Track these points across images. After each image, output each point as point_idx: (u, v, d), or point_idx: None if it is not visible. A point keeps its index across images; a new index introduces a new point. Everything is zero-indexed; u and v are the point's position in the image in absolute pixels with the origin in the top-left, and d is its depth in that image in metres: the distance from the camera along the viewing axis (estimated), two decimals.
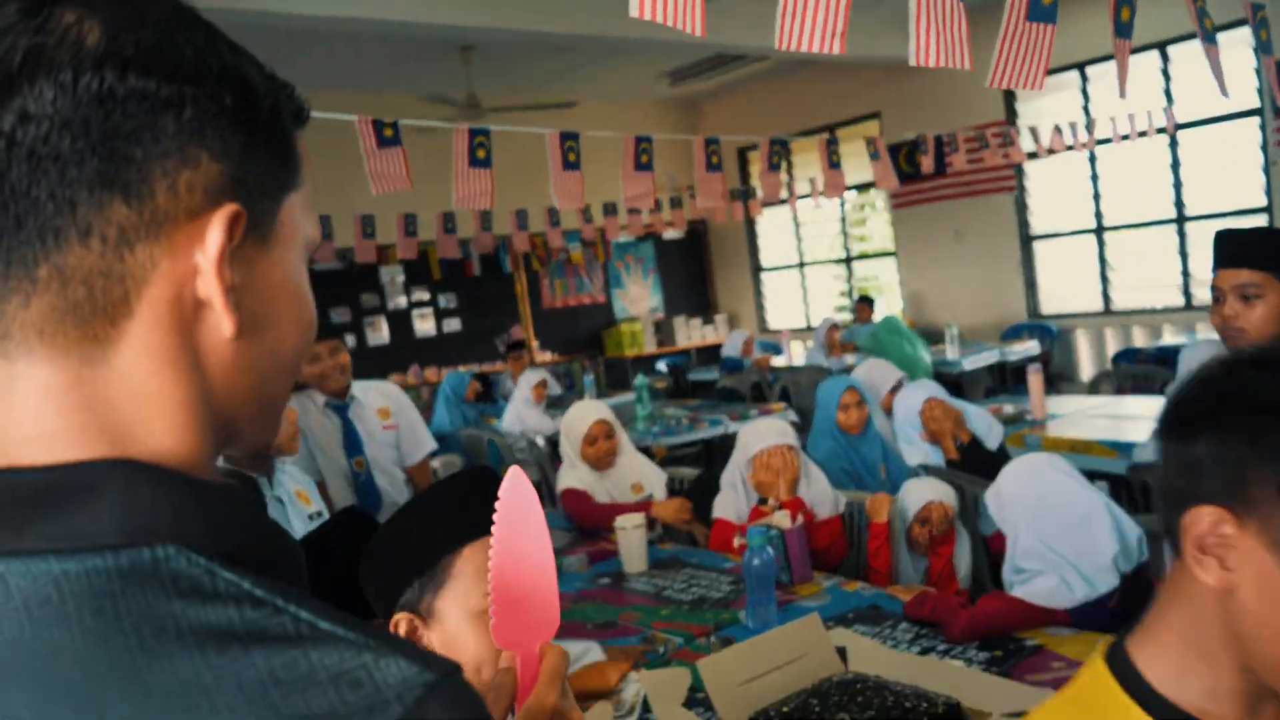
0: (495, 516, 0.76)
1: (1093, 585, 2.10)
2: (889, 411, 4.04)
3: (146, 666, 0.41)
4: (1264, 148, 6.82)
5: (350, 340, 8.33)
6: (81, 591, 0.43)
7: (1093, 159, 7.76)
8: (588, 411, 3.50)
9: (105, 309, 0.46)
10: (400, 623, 1.21)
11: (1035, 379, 4.42)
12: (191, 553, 0.45)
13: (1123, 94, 2.48)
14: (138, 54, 0.46)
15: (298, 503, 2.63)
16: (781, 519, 2.62)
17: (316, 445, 3.25)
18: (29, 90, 0.44)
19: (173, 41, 0.47)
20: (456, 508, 1.23)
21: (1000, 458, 3.62)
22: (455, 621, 1.18)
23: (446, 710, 0.44)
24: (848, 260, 9.88)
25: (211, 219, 0.48)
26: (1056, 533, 2.15)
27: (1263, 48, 4.06)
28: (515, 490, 0.77)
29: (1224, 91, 3.37)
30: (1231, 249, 2.14)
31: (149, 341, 0.47)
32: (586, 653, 2.11)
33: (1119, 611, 2.13)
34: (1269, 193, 6.82)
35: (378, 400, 3.42)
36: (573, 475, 3.44)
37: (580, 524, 3.34)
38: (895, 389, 4.16)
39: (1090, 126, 7.07)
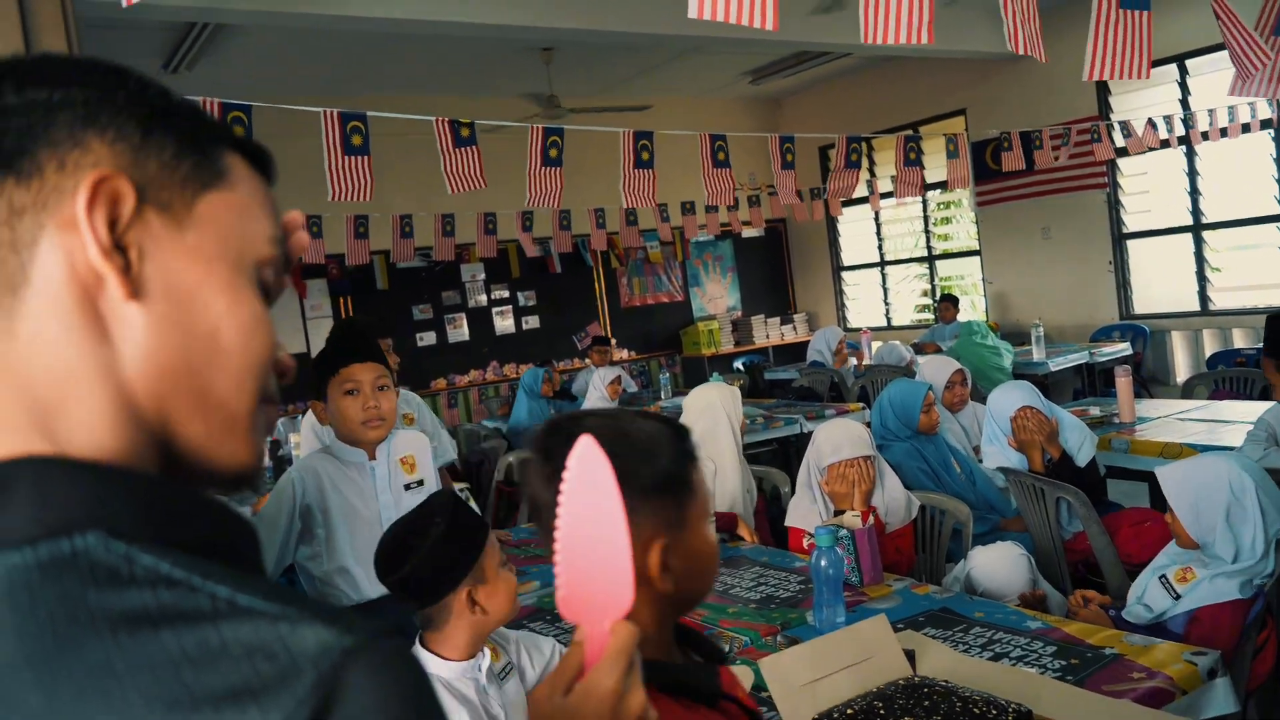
0: (562, 485, 0.72)
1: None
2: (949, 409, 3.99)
3: (58, 656, 0.41)
4: None
5: (431, 337, 8.45)
6: (1, 588, 0.43)
7: (1191, 154, 7.46)
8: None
9: (3, 278, 0.50)
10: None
11: (1123, 381, 4.27)
12: (112, 540, 0.45)
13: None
14: (29, 66, 0.53)
15: (398, 470, 2.44)
16: (852, 519, 2.58)
17: None
18: None
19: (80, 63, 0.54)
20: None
21: (1088, 474, 3.43)
22: None
23: (370, 677, 0.43)
24: (930, 259, 9.69)
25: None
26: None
27: None
28: (585, 459, 0.71)
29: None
30: None
31: (48, 306, 0.49)
32: None
33: None
34: None
35: (401, 407, 3.24)
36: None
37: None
38: (950, 385, 4.07)
39: (1188, 121, 6.79)
